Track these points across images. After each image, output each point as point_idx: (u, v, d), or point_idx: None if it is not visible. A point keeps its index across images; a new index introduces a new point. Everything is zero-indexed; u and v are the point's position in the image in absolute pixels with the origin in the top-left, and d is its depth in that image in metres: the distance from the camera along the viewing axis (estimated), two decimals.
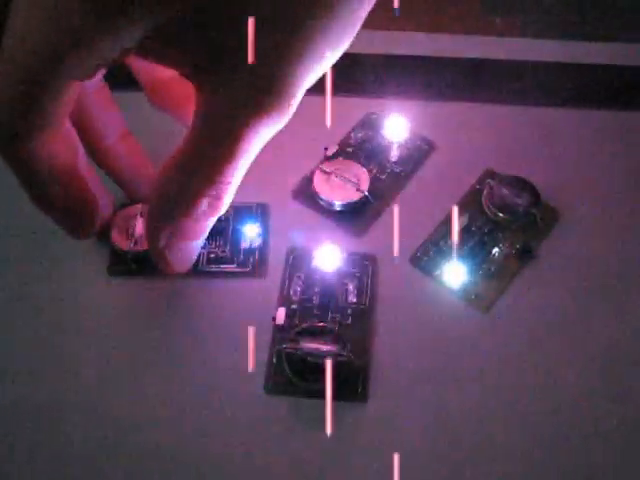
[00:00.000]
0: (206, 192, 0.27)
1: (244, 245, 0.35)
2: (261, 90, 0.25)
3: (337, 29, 0.24)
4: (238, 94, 0.25)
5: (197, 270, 0.34)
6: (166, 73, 0.31)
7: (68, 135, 0.29)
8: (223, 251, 0.35)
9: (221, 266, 0.35)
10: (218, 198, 0.28)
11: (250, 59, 0.24)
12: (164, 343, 0.33)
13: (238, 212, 0.36)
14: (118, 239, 0.34)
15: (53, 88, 0.25)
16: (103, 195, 0.33)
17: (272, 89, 0.25)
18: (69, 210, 0.31)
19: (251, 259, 0.35)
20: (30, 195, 0.29)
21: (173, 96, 0.32)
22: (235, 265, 0.35)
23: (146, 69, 0.32)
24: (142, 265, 0.34)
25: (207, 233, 0.30)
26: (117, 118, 0.33)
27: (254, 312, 0.33)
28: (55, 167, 0.28)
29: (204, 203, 0.28)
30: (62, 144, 0.28)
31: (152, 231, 0.29)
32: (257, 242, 0.35)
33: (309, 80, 0.26)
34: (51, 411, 0.31)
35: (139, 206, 0.34)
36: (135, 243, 0.34)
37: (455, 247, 0.35)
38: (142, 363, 0.32)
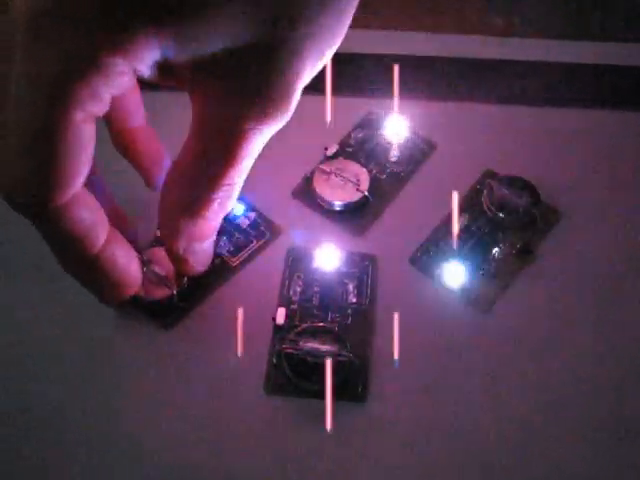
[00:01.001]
0: (214, 197, 0.27)
1: (245, 224, 0.36)
2: (260, 92, 0.25)
3: (330, 26, 0.24)
4: (237, 98, 0.25)
5: (229, 268, 0.35)
6: (135, 123, 0.31)
7: (88, 204, 0.27)
8: (238, 238, 0.36)
9: (246, 249, 0.35)
10: (227, 198, 0.28)
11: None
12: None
13: None
14: (147, 293, 0.32)
15: (69, 128, 0.24)
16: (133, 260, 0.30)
17: (270, 90, 0.25)
18: (94, 282, 0.29)
19: (262, 227, 0.36)
20: (57, 260, 0.28)
21: (137, 147, 0.32)
22: (256, 241, 0.36)
23: (117, 118, 0.31)
24: (187, 299, 0.33)
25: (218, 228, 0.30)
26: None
27: (254, 312, 0.33)
28: (78, 241, 0.27)
29: (214, 205, 0.28)
30: (83, 212, 0.26)
31: (170, 241, 0.30)
32: (252, 215, 0.36)
33: (306, 78, 0.26)
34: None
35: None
36: (169, 283, 0.33)
37: (455, 244, 0.35)
38: (142, 363, 0.32)
